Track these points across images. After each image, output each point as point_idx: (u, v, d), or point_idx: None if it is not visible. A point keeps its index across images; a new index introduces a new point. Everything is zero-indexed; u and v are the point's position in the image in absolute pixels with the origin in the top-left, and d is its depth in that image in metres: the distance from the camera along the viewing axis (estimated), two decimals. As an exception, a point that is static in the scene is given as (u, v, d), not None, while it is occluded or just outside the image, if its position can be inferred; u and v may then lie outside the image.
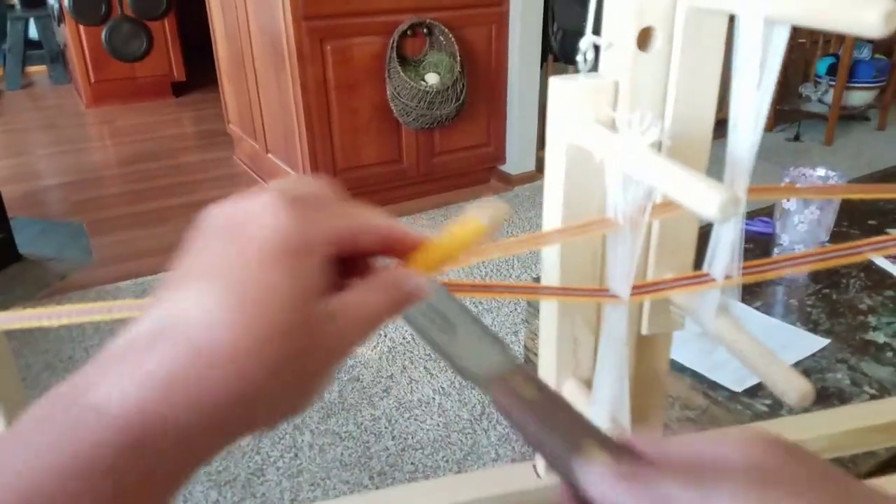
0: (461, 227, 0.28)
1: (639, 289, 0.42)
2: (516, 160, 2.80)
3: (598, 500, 0.24)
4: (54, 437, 0.20)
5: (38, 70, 5.06)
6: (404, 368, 1.66)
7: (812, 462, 0.24)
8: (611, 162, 0.36)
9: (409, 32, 2.37)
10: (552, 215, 0.42)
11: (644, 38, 0.37)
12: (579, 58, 0.38)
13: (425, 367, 1.66)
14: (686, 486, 0.22)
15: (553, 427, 0.27)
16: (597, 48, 0.38)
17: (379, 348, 1.75)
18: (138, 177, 3.05)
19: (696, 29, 0.36)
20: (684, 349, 0.88)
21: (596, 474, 0.24)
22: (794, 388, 0.36)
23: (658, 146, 0.38)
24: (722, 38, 0.37)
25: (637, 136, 0.34)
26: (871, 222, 1.22)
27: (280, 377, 0.22)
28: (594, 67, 0.39)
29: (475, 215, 0.28)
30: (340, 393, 1.58)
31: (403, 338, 1.78)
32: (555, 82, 0.39)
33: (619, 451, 0.25)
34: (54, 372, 1.67)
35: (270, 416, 0.23)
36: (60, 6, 3.93)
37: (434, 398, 1.56)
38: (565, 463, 0.25)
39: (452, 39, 2.38)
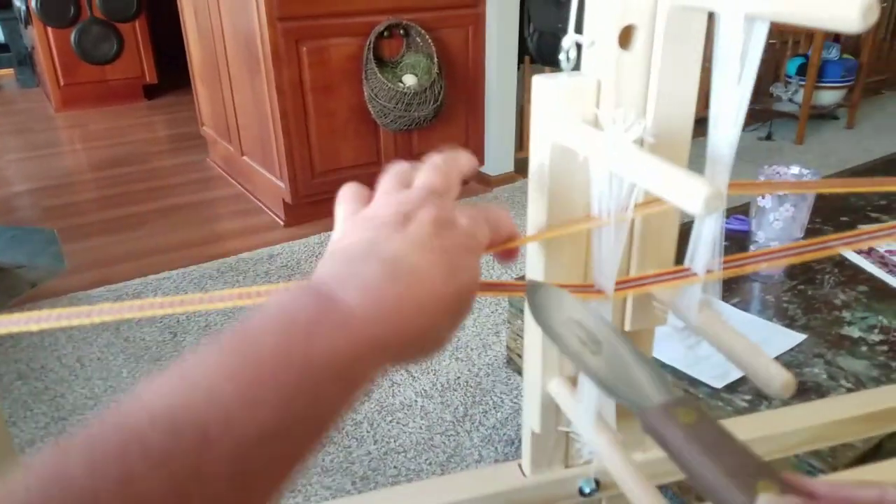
0: None
1: (622, 284, 0.42)
2: (495, 161, 2.81)
3: None
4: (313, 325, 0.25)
5: (5, 73, 4.95)
6: (385, 372, 1.66)
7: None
8: (595, 160, 0.36)
9: (385, 34, 2.36)
10: (537, 213, 0.42)
11: (626, 37, 0.37)
12: (562, 56, 0.38)
13: (407, 370, 1.65)
14: None
15: (719, 460, 0.26)
16: (579, 47, 0.38)
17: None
18: (111, 182, 3.00)
19: (678, 25, 0.37)
20: (665, 347, 0.89)
21: None
22: (777, 378, 0.36)
23: (640, 143, 0.38)
24: (702, 34, 0.38)
25: (621, 134, 0.34)
26: (843, 219, 1.25)
27: (447, 318, 0.30)
28: (576, 66, 0.39)
29: None
30: (321, 397, 1.57)
31: (384, 340, 1.78)
32: (538, 81, 0.39)
33: (790, 489, 0.25)
34: (26, 381, 1.63)
35: (434, 346, 0.31)
36: (27, 8, 3.84)
37: (416, 401, 1.55)
38: (734, 499, 0.24)
39: (429, 41, 2.38)
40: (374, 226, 0.31)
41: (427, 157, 0.38)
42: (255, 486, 0.22)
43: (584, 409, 0.44)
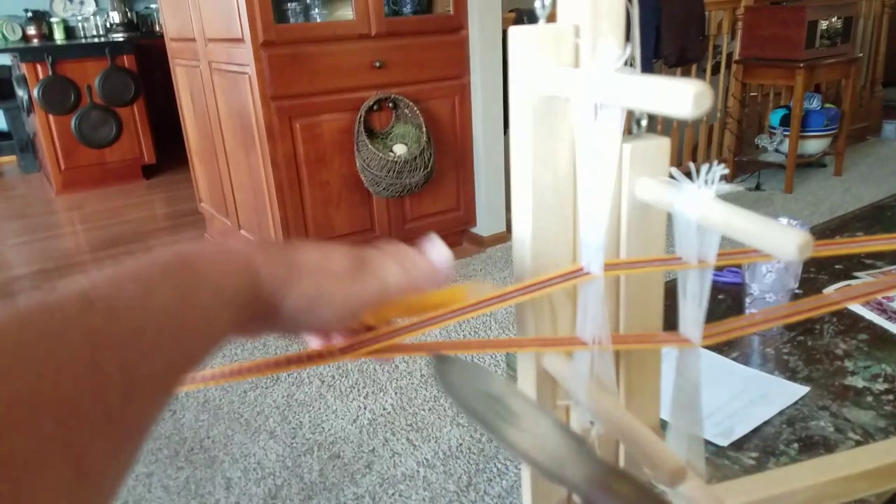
0: (454, 290, 0.37)
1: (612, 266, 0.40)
2: (486, 222, 2.84)
3: None
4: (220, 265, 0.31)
5: (7, 160, 5.06)
6: (386, 441, 1.62)
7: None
8: (578, 96, 0.35)
9: (375, 107, 2.43)
10: (522, 167, 0.41)
11: None
12: (537, 4, 0.37)
13: (408, 439, 1.62)
14: None
15: None
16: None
17: (360, 420, 1.70)
18: (109, 261, 3.01)
19: None
20: (665, 403, 0.87)
21: None
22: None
23: (637, 124, 0.37)
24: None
25: (605, 64, 0.33)
26: (837, 267, 1.25)
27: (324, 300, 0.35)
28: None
29: (469, 286, 0.36)
30: (321, 472, 1.53)
31: (384, 409, 1.74)
32: (515, 31, 0.38)
33: None
34: None
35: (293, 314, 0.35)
36: (30, 97, 3.96)
37: (419, 471, 1.51)
38: None
39: (417, 112, 2.45)
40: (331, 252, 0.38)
41: (409, 247, 0.39)
42: (140, 385, 0.25)
43: (580, 377, 0.42)
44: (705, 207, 0.32)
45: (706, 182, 0.32)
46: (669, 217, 0.39)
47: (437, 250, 0.39)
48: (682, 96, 0.28)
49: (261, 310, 0.33)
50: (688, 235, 0.33)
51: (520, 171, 0.41)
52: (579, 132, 0.37)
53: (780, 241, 0.28)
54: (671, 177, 0.35)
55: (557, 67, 0.37)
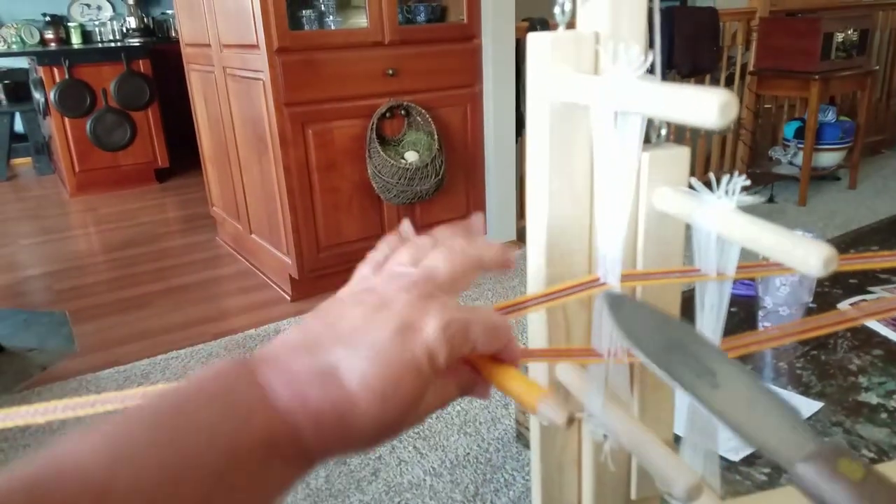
0: (530, 389, 0.31)
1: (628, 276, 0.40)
2: (497, 230, 2.83)
3: None
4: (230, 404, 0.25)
5: (23, 162, 5.11)
6: (393, 448, 1.61)
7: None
8: (598, 104, 0.34)
9: (387, 114, 2.44)
10: (539, 172, 0.40)
11: None
12: (556, 9, 0.37)
13: (415, 447, 1.61)
14: None
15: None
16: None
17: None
18: (121, 263, 3.03)
19: None
20: (679, 418, 0.86)
21: None
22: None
23: (658, 134, 0.36)
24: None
25: (627, 72, 0.32)
26: (851, 281, 1.23)
27: (384, 433, 0.28)
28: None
29: (546, 398, 0.31)
30: (327, 479, 1.52)
31: (392, 417, 1.74)
32: (535, 37, 0.37)
33: None
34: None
35: (363, 449, 0.29)
36: (46, 101, 4.01)
37: (425, 479, 1.50)
38: None
39: (430, 119, 2.45)
40: (346, 308, 0.31)
41: (453, 230, 0.36)
42: None
43: (594, 390, 0.41)
44: (726, 219, 0.31)
45: (727, 193, 0.31)
46: (687, 228, 0.39)
47: (491, 250, 0.34)
48: (708, 105, 0.27)
49: (316, 450, 0.27)
50: (707, 247, 0.33)
51: (536, 178, 0.40)
52: (598, 140, 0.37)
53: (805, 255, 0.28)
54: (690, 187, 0.35)
55: (576, 74, 0.36)
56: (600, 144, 0.37)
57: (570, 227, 0.41)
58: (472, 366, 0.33)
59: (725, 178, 0.32)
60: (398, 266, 0.33)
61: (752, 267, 0.35)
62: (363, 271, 0.35)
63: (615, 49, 0.32)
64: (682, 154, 0.37)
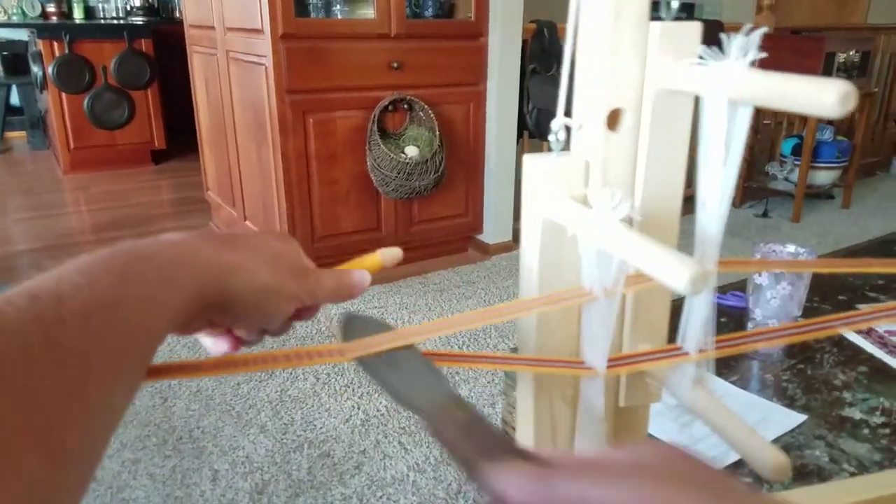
0: (366, 259, 0.44)
1: (614, 361, 0.42)
2: (493, 230, 2.84)
3: (507, 499, 0.26)
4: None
5: (17, 135, 5.07)
6: (378, 443, 1.61)
7: (700, 465, 0.28)
8: (584, 237, 0.36)
9: (390, 108, 2.43)
10: (528, 286, 0.42)
11: (613, 119, 0.38)
12: (551, 137, 0.38)
13: (399, 442, 1.61)
14: (577, 479, 0.26)
15: (475, 442, 0.30)
16: (568, 129, 0.39)
17: (352, 420, 1.70)
18: (112, 243, 3.01)
19: (664, 108, 0.38)
20: (661, 424, 0.87)
21: (503, 475, 0.27)
22: (770, 461, 0.35)
23: (630, 222, 0.38)
24: (688, 117, 0.39)
25: (609, 213, 0.34)
26: (840, 297, 1.24)
27: (265, 293, 0.36)
28: (566, 146, 0.39)
29: (378, 253, 0.44)
30: (310, 470, 1.52)
31: (378, 410, 1.74)
32: (528, 160, 0.39)
33: (528, 458, 0.28)
34: None
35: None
36: (45, 75, 3.98)
37: (408, 475, 1.50)
38: (480, 469, 0.27)
39: (432, 115, 2.45)
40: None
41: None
42: (97, 361, 0.26)
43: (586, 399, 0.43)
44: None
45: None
46: (682, 236, 0.39)
47: (357, 275, 0.42)
48: (679, 274, 0.28)
49: (211, 294, 0.33)
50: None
51: (527, 281, 0.42)
52: (585, 264, 0.38)
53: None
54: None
55: (567, 202, 0.38)
56: (586, 270, 0.38)
57: (558, 331, 0.42)
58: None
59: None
60: None
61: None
62: None
63: (601, 194, 0.34)
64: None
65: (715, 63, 0.34)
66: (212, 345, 0.40)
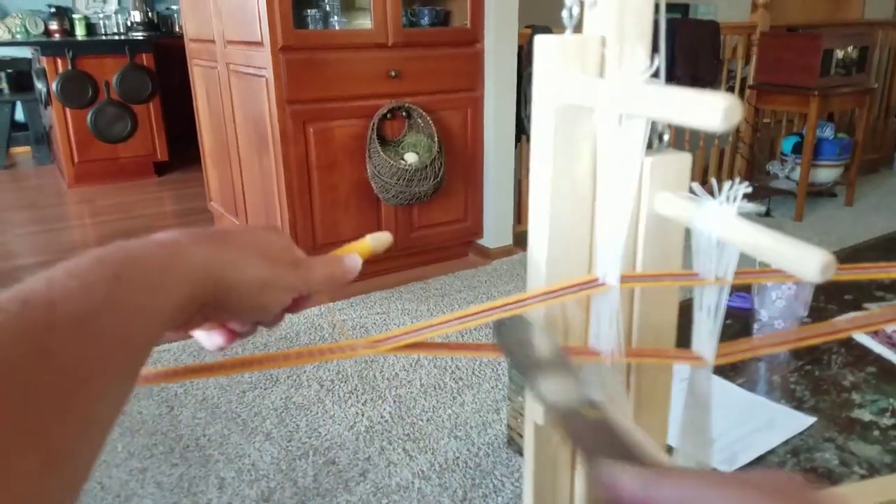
0: (355, 245, 0.44)
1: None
2: (493, 235, 2.83)
3: (618, 494, 0.28)
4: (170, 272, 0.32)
5: (22, 151, 5.09)
6: (382, 450, 1.61)
7: (809, 489, 0.27)
8: (602, 109, 0.35)
9: (388, 115, 2.44)
10: (542, 174, 0.40)
11: None
12: (564, 13, 0.37)
13: (404, 449, 1.60)
14: (682, 484, 0.27)
15: (599, 441, 0.31)
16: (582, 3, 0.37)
17: (357, 427, 1.69)
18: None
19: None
20: (673, 427, 0.86)
21: (616, 473, 0.28)
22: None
23: (660, 138, 0.36)
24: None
25: (629, 75, 0.31)
26: (847, 297, 1.24)
27: (261, 285, 0.36)
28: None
29: (367, 238, 0.44)
30: (315, 477, 1.52)
31: (382, 417, 1.73)
32: (542, 40, 0.37)
33: (644, 462, 0.29)
34: None
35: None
36: (48, 90, 4.00)
37: (413, 482, 1.49)
38: (598, 465, 0.29)
39: (430, 122, 2.45)
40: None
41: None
42: (89, 367, 0.25)
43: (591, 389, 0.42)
44: (726, 223, 0.31)
45: (728, 199, 0.31)
46: (687, 234, 0.39)
47: (349, 259, 0.42)
48: (713, 109, 0.27)
49: (207, 292, 0.33)
50: (707, 251, 0.33)
51: (539, 177, 0.40)
52: (602, 142, 0.37)
53: (803, 260, 0.28)
54: (692, 192, 0.35)
55: (582, 76, 0.36)
56: (604, 147, 0.36)
57: (572, 227, 0.41)
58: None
59: (727, 185, 0.31)
60: None
61: (751, 273, 0.35)
62: None
63: (621, 52, 0.32)
64: (684, 160, 0.37)
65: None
66: (206, 339, 0.40)
